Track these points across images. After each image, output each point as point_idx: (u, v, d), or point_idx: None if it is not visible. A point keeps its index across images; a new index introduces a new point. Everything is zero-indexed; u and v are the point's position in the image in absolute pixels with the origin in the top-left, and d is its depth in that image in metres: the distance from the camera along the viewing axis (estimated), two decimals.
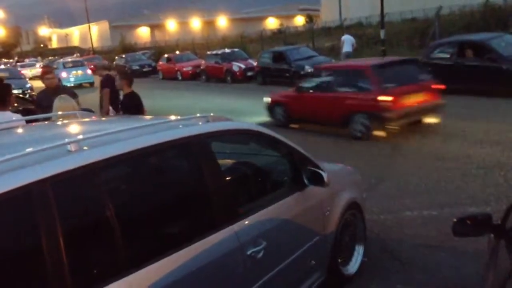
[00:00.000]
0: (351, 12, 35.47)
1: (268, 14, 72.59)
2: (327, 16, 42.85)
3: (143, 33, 69.94)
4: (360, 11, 34.10)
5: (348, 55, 17.82)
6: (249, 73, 20.61)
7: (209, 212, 2.75)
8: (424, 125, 9.34)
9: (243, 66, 21.14)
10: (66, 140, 2.20)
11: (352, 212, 4.06)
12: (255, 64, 20.55)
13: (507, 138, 7.78)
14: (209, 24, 68.57)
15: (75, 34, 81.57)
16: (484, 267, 2.72)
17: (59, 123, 3.46)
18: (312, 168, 3.45)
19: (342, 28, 26.37)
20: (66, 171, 2.07)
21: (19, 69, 29.22)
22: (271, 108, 11.02)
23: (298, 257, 3.30)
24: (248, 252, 2.76)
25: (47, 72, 6.70)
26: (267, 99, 11.10)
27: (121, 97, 7.23)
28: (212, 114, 3.21)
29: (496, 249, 2.41)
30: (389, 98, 8.35)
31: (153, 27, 71.00)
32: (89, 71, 26.28)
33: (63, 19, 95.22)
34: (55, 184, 2.01)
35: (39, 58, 55.11)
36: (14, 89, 6.27)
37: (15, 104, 6.53)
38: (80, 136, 2.31)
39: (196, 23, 68.89)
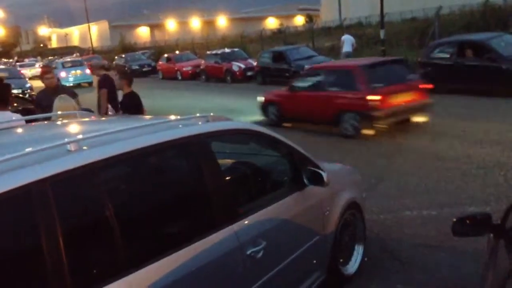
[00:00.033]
0: (351, 12, 35.41)
1: (268, 14, 72.52)
2: (327, 16, 42.79)
3: (142, 33, 69.89)
4: (360, 11, 34.05)
5: (348, 55, 17.77)
6: (249, 73, 20.61)
7: (209, 212, 2.75)
8: (412, 124, 9.46)
9: (243, 66, 21.14)
10: (66, 140, 2.19)
11: (351, 212, 4.06)
12: (255, 64, 20.55)
13: (507, 138, 7.78)
14: (209, 24, 68.51)
15: (74, 34, 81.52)
16: (483, 266, 2.72)
17: (59, 123, 3.46)
18: (312, 168, 3.45)
19: (342, 28, 26.33)
20: (66, 171, 2.07)
21: (18, 68, 29.25)
22: (264, 107, 11.11)
23: (297, 257, 3.29)
24: (248, 252, 2.76)
25: (47, 72, 6.71)
26: (261, 98, 11.19)
27: (120, 97, 7.23)
28: (212, 114, 3.21)
29: (495, 249, 2.41)
30: (377, 98, 8.55)
31: (152, 27, 70.96)
32: (87, 71, 26.24)
33: (63, 19, 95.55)
34: (55, 184, 2.01)
35: (38, 58, 55.13)
36: (13, 89, 6.28)
37: (15, 104, 6.54)
38: (80, 136, 2.31)
39: (195, 23, 68.82)
